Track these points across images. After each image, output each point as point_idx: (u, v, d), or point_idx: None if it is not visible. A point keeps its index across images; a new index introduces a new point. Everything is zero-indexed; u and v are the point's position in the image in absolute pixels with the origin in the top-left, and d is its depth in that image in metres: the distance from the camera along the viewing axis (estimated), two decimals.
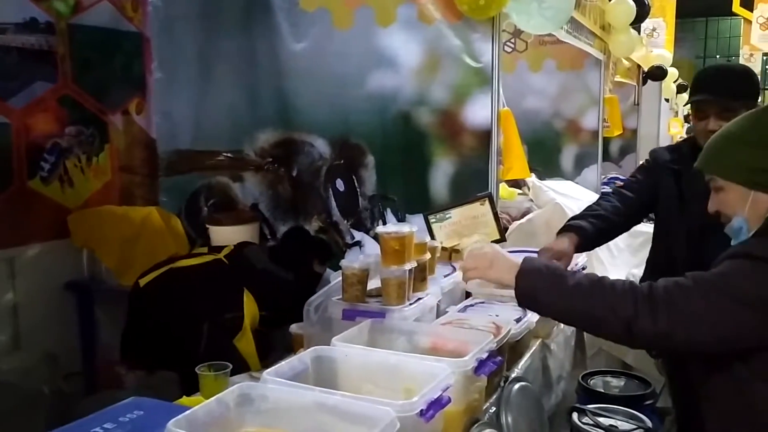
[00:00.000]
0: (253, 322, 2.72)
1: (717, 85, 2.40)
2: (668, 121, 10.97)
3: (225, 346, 2.63)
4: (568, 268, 2.40)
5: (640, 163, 2.91)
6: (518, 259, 1.68)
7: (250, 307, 2.69)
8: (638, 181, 2.73)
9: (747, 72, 2.58)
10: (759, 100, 2.47)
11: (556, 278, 1.58)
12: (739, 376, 1.52)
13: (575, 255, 2.57)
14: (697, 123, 2.47)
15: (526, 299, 1.65)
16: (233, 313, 2.67)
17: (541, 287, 1.60)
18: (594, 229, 2.51)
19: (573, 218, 2.63)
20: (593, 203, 2.72)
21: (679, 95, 10.11)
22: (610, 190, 2.82)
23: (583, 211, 2.68)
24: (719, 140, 1.65)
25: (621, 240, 3.90)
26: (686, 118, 13.42)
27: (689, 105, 2.52)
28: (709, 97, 2.39)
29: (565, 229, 2.53)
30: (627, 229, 2.74)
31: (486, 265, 1.72)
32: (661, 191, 2.59)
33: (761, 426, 1.51)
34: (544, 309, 1.66)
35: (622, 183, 2.92)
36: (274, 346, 2.77)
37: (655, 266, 2.67)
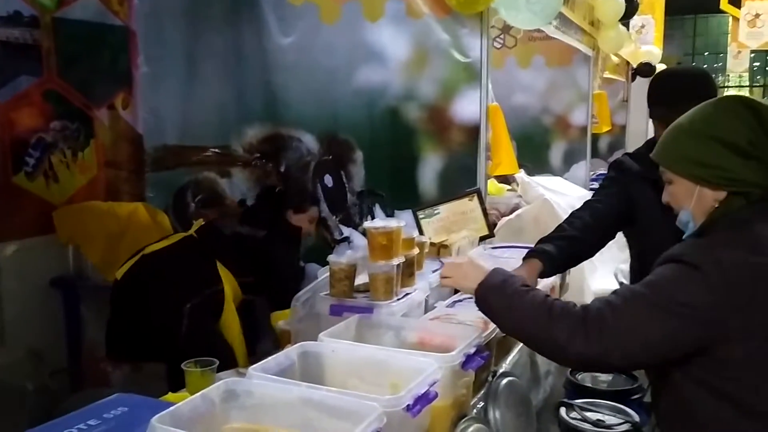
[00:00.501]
0: (236, 294, 2.71)
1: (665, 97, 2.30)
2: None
3: (209, 330, 2.62)
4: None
5: (606, 174, 2.80)
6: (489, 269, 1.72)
7: (227, 277, 2.69)
8: (610, 194, 2.57)
9: (702, 75, 2.41)
10: (754, 96, 2.43)
11: (507, 296, 1.61)
12: (673, 380, 1.52)
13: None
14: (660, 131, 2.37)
15: (482, 310, 1.69)
16: (212, 288, 2.65)
17: (494, 302, 1.64)
18: (561, 252, 2.37)
19: (541, 240, 2.47)
20: (563, 222, 2.55)
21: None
22: (581, 205, 2.62)
23: (552, 232, 2.51)
24: (670, 131, 1.63)
25: None
26: None
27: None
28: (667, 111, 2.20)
29: (529, 255, 2.38)
30: (602, 245, 2.55)
31: (460, 275, 1.77)
32: (640, 202, 2.43)
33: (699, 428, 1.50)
34: (497, 323, 1.69)
35: (591, 197, 2.77)
36: (263, 328, 2.76)
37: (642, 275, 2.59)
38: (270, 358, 1.61)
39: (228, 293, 2.69)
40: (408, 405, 1.39)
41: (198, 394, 1.37)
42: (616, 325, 1.44)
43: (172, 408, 1.29)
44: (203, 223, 2.85)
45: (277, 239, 3.05)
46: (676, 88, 2.30)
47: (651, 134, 2.53)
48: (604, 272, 2.95)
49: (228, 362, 2.48)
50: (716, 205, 1.53)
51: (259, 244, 2.98)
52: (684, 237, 1.60)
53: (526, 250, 2.47)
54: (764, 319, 1.40)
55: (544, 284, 2.51)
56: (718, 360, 1.43)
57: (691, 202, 1.56)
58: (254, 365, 1.53)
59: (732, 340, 1.41)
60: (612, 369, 1.64)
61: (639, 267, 2.55)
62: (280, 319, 2.47)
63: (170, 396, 1.75)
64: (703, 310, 1.40)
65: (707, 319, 1.40)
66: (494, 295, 1.64)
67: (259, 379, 1.47)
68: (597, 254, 3.75)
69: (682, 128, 1.58)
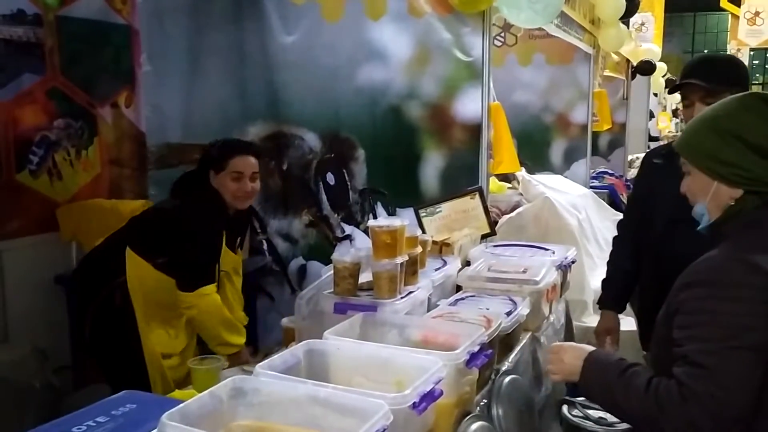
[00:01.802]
0: (158, 278, 2.60)
1: (700, 71, 2.40)
2: (657, 115, 11.03)
3: (114, 333, 2.63)
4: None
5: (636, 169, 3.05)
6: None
7: (137, 265, 2.60)
8: (635, 197, 2.89)
9: (732, 59, 2.61)
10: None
11: (610, 390, 1.56)
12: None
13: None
14: (685, 111, 2.48)
15: (586, 394, 1.69)
16: (112, 283, 2.61)
17: (598, 398, 1.63)
18: (625, 292, 2.81)
19: (604, 287, 2.86)
20: (612, 261, 2.87)
21: (667, 90, 10.19)
22: (616, 231, 2.93)
23: (607, 275, 2.88)
24: (694, 123, 1.62)
25: (610, 233, 3.93)
26: (674, 113, 13.48)
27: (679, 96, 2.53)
28: (693, 81, 2.38)
29: (604, 307, 2.82)
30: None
31: (564, 369, 1.71)
32: (656, 190, 2.59)
33: None
34: (604, 408, 1.71)
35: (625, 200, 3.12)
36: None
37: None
38: (276, 356, 1.63)
39: (134, 283, 2.58)
40: (414, 403, 1.40)
41: (206, 391, 1.39)
42: (728, 392, 1.38)
43: (181, 405, 1.30)
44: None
45: (190, 207, 2.65)
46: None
47: (652, 132, 2.65)
48: (604, 271, 2.98)
49: (130, 376, 2.48)
50: (731, 203, 1.52)
51: (172, 216, 2.66)
52: (698, 229, 1.61)
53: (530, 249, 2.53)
54: None
55: (546, 282, 2.54)
56: None
57: (707, 196, 1.56)
58: (261, 363, 1.55)
59: None
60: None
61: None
62: (190, 302, 2.50)
63: (177, 393, 1.77)
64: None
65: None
66: (596, 390, 1.62)
67: (266, 377, 1.48)
68: (598, 252, 3.85)
69: (705, 122, 1.57)
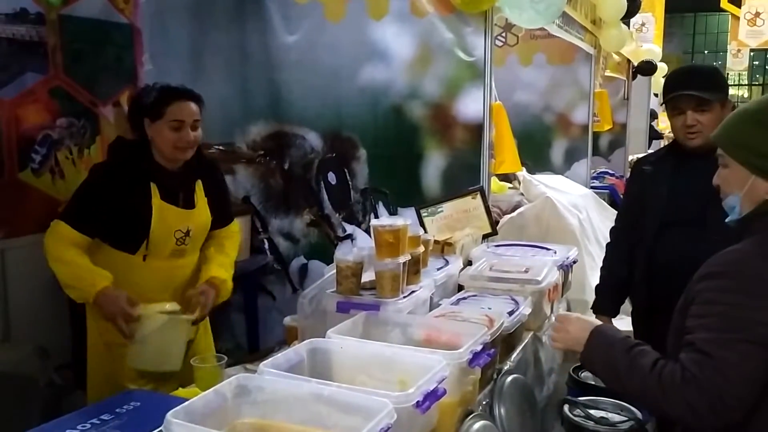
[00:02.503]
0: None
1: (693, 82, 2.50)
2: (659, 115, 11.02)
3: None
4: None
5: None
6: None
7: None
8: (626, 204, 2.95)
9: (716, 70, 2.74)
10: (750, 95, 2.57)
11: (613, 365, 1.60)
12: None
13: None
14: (675, 120, 2.58)
15: (590, 371, 1.74)
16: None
17: (600, 370, 1.67)
18: (619, 297, 2.88)
19: (598, 293, 2.93)
20: (605, 266, 2.95)
21: (661, 104, 10.23)
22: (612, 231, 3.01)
23: (601, 280, 2.94)
24: (734, 116, 1.62)
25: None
26: None
27: (665, 105, 2.64)
28: (684, 92, 2.48)
29: (599, 312, 2.85)
30: None
31: (569, 337, 1.76)
32: (646, 195, 2.71)
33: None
34: (604, 382, 1.72)
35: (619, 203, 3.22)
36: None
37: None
38: (279, 354, 1.63)
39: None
40: (418, 401, 1.41)
41: (211, 389, 1.39)
42: (730, 382, 1.40)
43: (186, 403, 1.31)
44: None
45: (121, 165, 2.44)
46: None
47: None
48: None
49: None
50: (767, 197, 1.53)
51: (103, 176, 2.43)
52: (727, 221, 1.62)
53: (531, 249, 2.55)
54: None
55: (547, 282, 2.54)
56: None
57: (742, 189, 1.56)
58: (264, 361, 1.55)
59: None
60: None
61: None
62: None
63: (180, 391, 1.77)
64: None
65: None
66: (600, 365, 1.65)
67: (270, 375, 1.49)
68: (599, 251, 3.88)
69: (748, 114, 1.58)
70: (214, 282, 2.48)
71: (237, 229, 2.79)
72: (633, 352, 1.56)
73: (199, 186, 2.56)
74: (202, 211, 2.55)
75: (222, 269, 2.54)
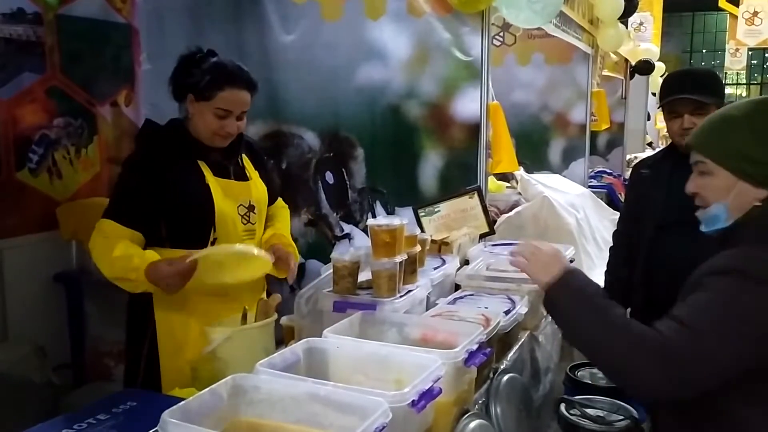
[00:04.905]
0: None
1: (690, 85, 2.53)
2: (655, 115, 11.04)
3: None
4: None
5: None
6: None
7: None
8: (627, 208, 2.97)
9: (712, 73, 2.75)
10: (749, 94, 2.60)
11: (583, 308, 1.55)
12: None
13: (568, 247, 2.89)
14: (672, 123, 2.61)
15: (548, 310, 1.66)
16: None
17: (565, 309, 1.59)
18: (622, 299, 2.68)
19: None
20: (608, 270, 2.95)
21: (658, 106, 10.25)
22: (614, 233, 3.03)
23: (605, 285, 2.87)
24: (717, 121, 1.58)
25: (608, 232, 3.95)
26: None
27: (662, 108, 2.66)
28: (682, 96, 2.51)
29: None
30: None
31: (537, 263, 1.70)
32: (645, 198, 2.75)
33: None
34: (562, 329, 1.67)
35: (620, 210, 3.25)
36: None
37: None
38: (276, 354, 1.63)
39: None
40: (413, 401, 1.41)
41: (207, 389, 1.40)
42: (695, 357, 1.39)
43: (182, 403, 1.31)
44: None
45: (160, 150, 2.23)
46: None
47: (650, 132, 2.75)
48: (602, 270, 3.01)
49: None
50: (757, 204, 1.50)
51: (143, 164, 2.22)
52: (703, 229, 1.59)
53: None
54: None
55: None
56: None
57: (728, 196, 1.52)
58: (261, 361, 1.56)
59: None
60: (677, 400, 1.55)
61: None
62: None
63: (177, 391, 1.78)
64: None
65: None
66: (568, 301, 1.58)
67: (266, 375, 1.49)
68: (597, 252, 3.90)
69: (733, 121, 1.54)
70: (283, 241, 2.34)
71: (284, 205, 2.66)
72: (607, 302, 1.53)
73: (245, 159, 2.41)
74: (258, 183, 2.39)
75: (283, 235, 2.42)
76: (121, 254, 2.08)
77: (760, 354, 1.41)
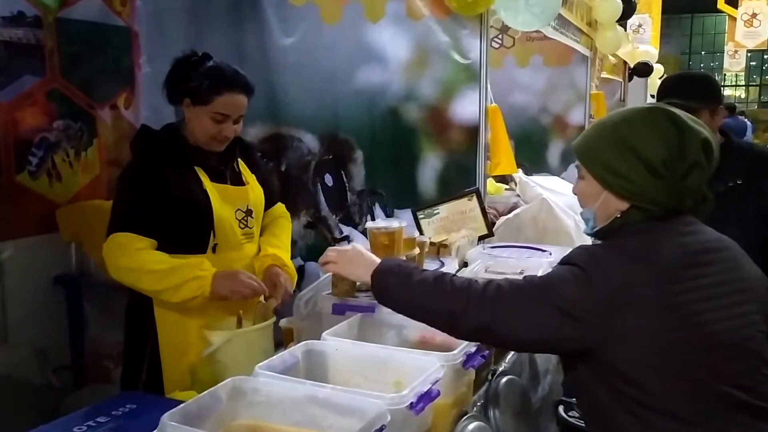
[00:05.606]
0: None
1: (680, 90, 2.55)
2: None
3: None
4: None
5: None
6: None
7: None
8: None
9: (707, 77, 2.78)
10: (747, 95, 2.60)
11: (404, 276, 1.62)
12: (583, 383, 1.56)
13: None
14: None
15: (380, 296, 1.68)
16: None
17: (392, 284, 1.64)
18: None
19: None
20: None
21: None
22: None
23: None
24: (592, 128, 1.61)
25: None
26: None
27: None
28: (675, 101, 2.49)
29: None
30: None
31: (346, 261, 1.78)
32: None
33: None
34: (395, 305, 1.67)
35: None
36: None
37: None
38: (275, 356, 1.64)
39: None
40: (411, 403, 1.42)
41: (206, 391, 1.41)
42: (511, 304, 1.47)
43: (181, 405, 1.32)
44: None
45: (156, 158, 2.22)
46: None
47: None
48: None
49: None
50: (617, 215, 1.53)
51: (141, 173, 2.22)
52: (584, 232, 1.67)
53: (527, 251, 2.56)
54: (645, 325, 1.40)
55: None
56: (608, 363, 1.44)
57: (596, 203, 1.57)
58: (260, 363, 1.56)
59: (615, 342, 1.41)
60: (491, 342, 1.71)
61: None
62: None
63: (177, 394, 1.78)
64: (586, 311, 1.41)
65: (588, 321, 1.41)
66: (392, 276, 1.64)
67: (266, 377, 1.50)
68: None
69: (605, 129, 1.56)
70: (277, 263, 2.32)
71: (286, 215, 2.63)
72: (437, 273, 1.60)
73: (241, 164, 2.41)
74: (254, 187, 2.40)
75: (278, 251, 2.39)
76: (158, 262, 2.08)
77: (584, 338, 1.44)
